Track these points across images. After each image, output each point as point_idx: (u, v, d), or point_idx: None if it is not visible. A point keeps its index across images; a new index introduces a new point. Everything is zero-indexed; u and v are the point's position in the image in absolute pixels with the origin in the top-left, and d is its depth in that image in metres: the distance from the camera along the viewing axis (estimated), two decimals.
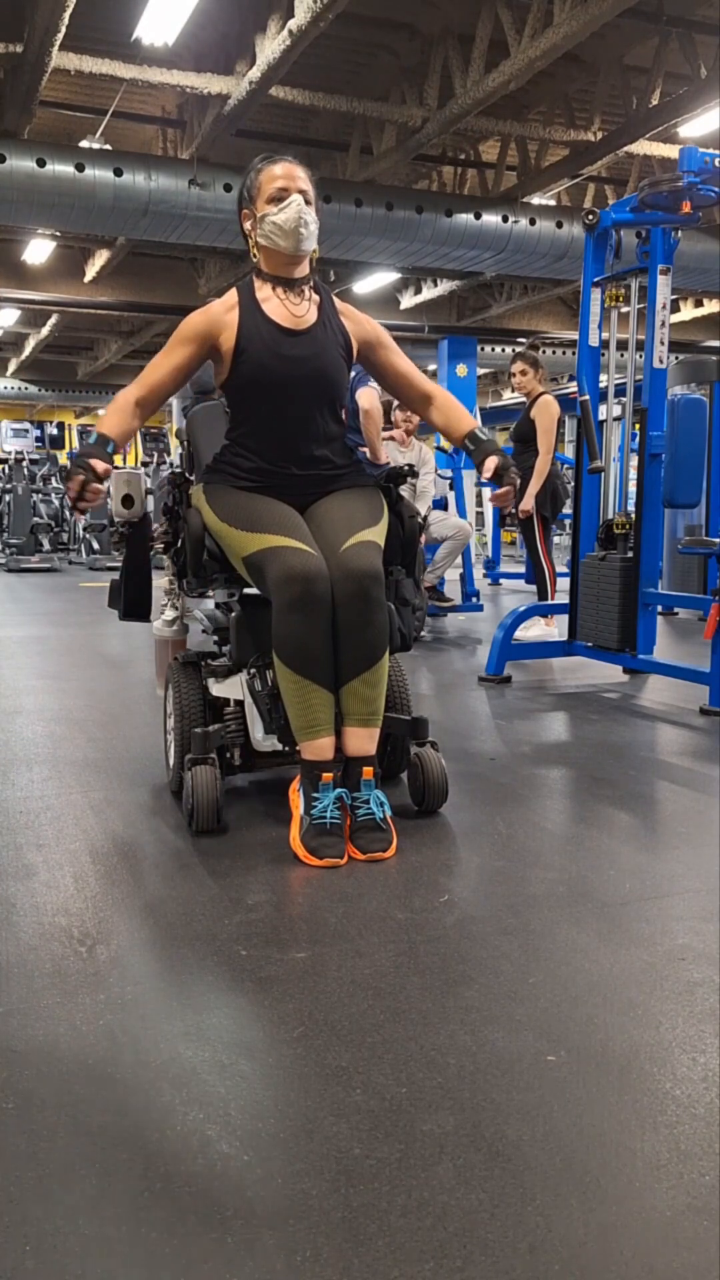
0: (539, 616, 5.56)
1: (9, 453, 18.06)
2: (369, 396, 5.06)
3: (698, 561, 7.07)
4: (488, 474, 2.53)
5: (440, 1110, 1.30)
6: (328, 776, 2.27)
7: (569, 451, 8.21)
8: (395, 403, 6.48)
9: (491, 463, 2.53)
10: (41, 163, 8.03)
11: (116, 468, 2.51)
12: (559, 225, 9.63)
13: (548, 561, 5.93)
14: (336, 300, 2.64)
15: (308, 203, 2.47)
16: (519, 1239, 1.08)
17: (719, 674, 3.79)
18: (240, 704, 2.55)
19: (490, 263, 10.08)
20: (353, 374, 4.54)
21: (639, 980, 1.67)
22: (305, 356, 2.50)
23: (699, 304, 15.09)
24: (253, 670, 2.49)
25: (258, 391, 2.51)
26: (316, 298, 2.58)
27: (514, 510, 6.08)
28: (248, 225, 2.54)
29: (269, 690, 2.42)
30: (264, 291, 2.54)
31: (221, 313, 2.53)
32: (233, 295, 2.56)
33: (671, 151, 8.72)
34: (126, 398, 2.54)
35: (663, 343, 4.19)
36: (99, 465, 2.36)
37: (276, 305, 2.52)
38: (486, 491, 9.19)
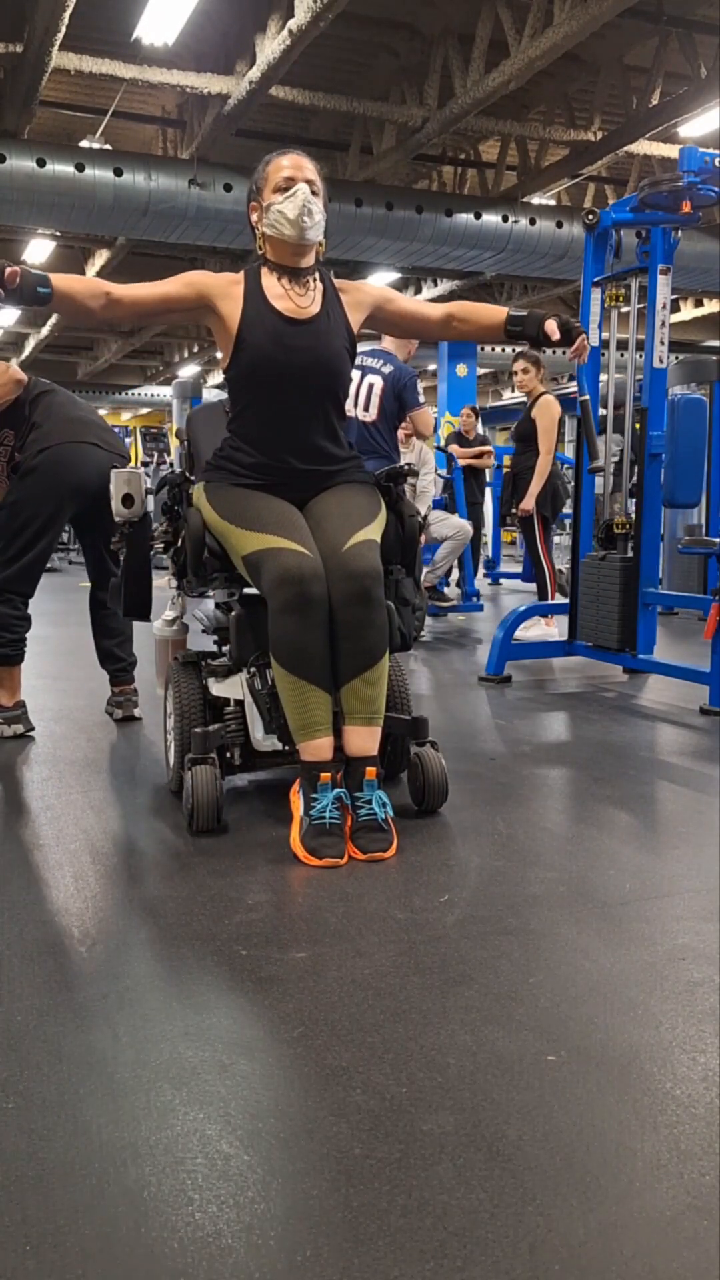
0: (539, 616, 5.56)
1: None
2: (424, 420, 4.96)
3: (698, 561, 7.08)
4: (555, 334, 2.53)
5: (440, 1110, 1.30)
6: (326, 776, 2.26)
7: (569, 451, 8.21)
8: None
9: (552, 323, 2.54)
10: (41, 163, 8.03)
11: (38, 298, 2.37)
12: (559, 225, 9.62)
13: (548, 561, 5.93)
14: (336, 281, 2.65)
15: (314, 193, 2.48)
16: (519, 1239, 1.08)
17: (719, 674, 3.79)
18: (240, 704, 2.55)
19: (490, 263, 10.08)
20: (403, 384, 4.50)
21: (639, 980, 1.67)
22: (307, 347, 2.51)
23: (699, 304, 15.10)
24: (253, 669, 2.49)
25: (259, 380, 2.51)
26: (320, 287, 2.59)
27: (515, 510, 6.09)
28: (254, 217, 2.56)
29: (269, 689, 2.42)
30: (269, 280, 2.56)
31: (227, 283, 2.55)
32: (240, 275, 2.58)
33: (671, 151, 8.72)
34: (102, 282, 2.49)
35: (663, 343, 4.19)
36: (10, 267, 2.29)
37: (281, 295, 2.53)
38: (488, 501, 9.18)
